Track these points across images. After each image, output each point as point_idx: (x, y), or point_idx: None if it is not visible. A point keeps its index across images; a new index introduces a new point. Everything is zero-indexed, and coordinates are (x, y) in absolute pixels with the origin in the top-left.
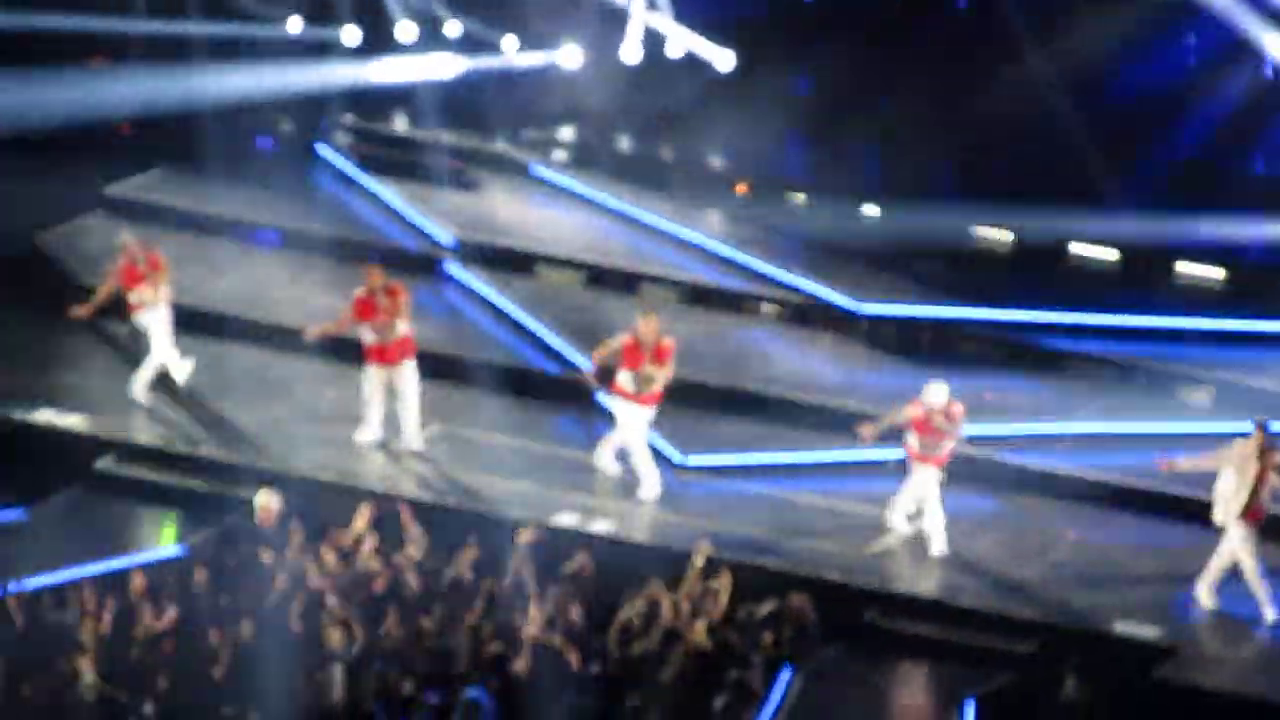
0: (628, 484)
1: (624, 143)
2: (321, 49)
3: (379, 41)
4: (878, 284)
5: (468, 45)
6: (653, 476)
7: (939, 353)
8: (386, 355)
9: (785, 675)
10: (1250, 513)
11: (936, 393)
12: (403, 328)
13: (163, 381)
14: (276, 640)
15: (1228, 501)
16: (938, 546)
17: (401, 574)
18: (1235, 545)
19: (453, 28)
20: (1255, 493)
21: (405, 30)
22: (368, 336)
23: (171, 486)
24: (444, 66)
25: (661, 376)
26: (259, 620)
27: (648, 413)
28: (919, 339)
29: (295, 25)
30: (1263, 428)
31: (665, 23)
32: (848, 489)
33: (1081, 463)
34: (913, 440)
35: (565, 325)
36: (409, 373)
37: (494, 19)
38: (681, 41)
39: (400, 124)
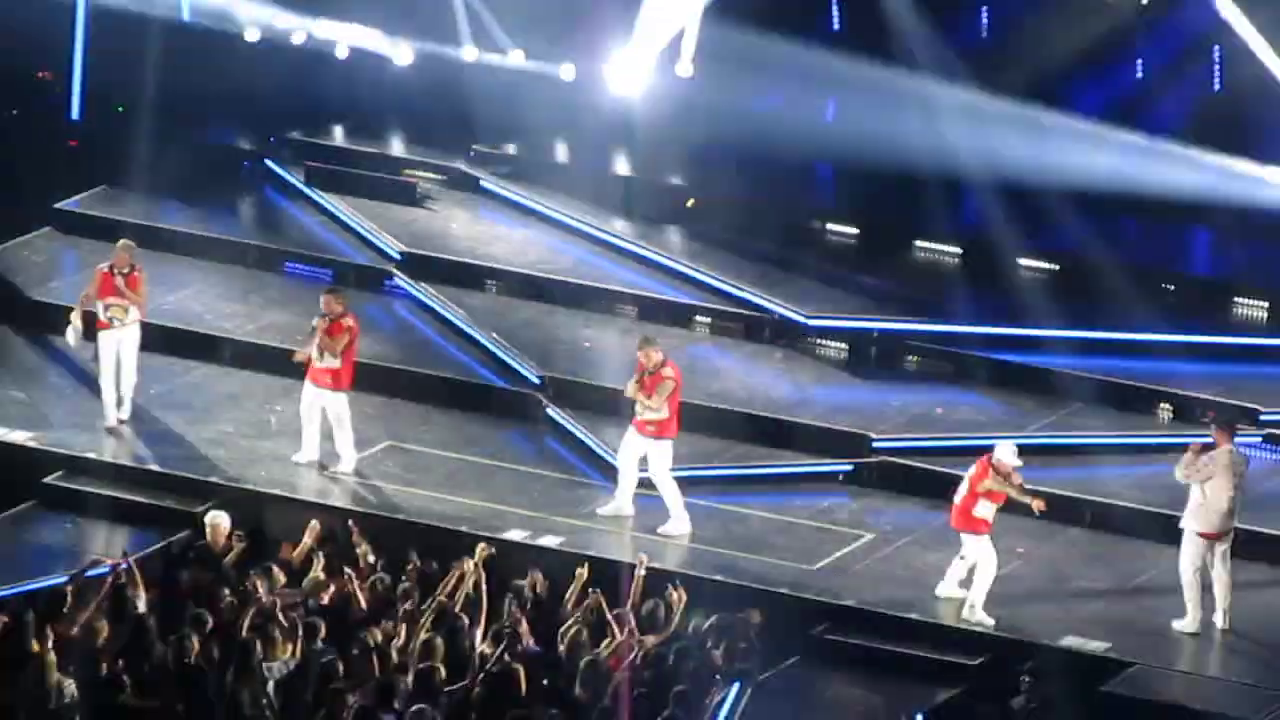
0: (576, 498)
1: (575, 156)
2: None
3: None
4: (827, 298)
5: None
6: (673, 511)
7: (887, 367)
8: (316, 377)
9: (734, 689)
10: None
11: (1008, 452)
12: (331, 360)
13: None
14: (224, 654)
15: (1224, 514)
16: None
17: (350, 589)
18: (1219, 558)
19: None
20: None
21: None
22: (311, 351)
23: (122, 502)
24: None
25: (649, 406)
26: (206, 634)
27: (641, 440)
28: (867, 353)
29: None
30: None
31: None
32: (797, 503)
33: (1030, 476)
34: (988, 510)
35: (514, 340)
36: (333, 401)
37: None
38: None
39: (349, 138)
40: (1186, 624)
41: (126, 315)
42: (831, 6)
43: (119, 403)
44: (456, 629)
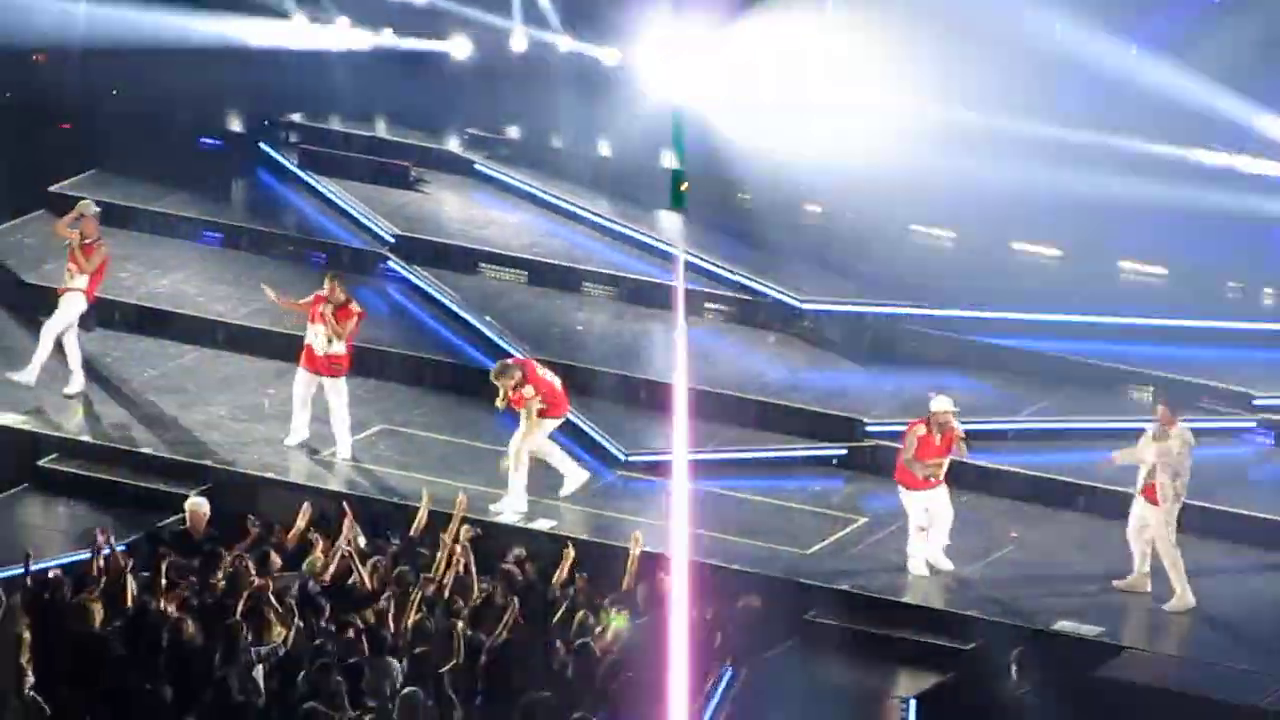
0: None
1: (568, 141)
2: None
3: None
4: (821, 282)
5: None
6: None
7: (881, 351)
8: (315, 363)
9: (728, 672)
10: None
11: (944, 402)
12: (338, 346)
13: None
14: (214, 636)
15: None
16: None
17: (352, 566)
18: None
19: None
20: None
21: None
22: (308, 336)
23: (116, 485)
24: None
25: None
26: (200, 618)
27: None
28: (861, 337)
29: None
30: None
31: None
32: (791, 486)
33: (1024, 460)
34: (919, 466)
35: (507, 322)
36: (337, 388)
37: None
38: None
39: (344, 122)
40: (1179, 604)
41: (72, 280)
42: None
43: (68, 376)
44: (448, 612)
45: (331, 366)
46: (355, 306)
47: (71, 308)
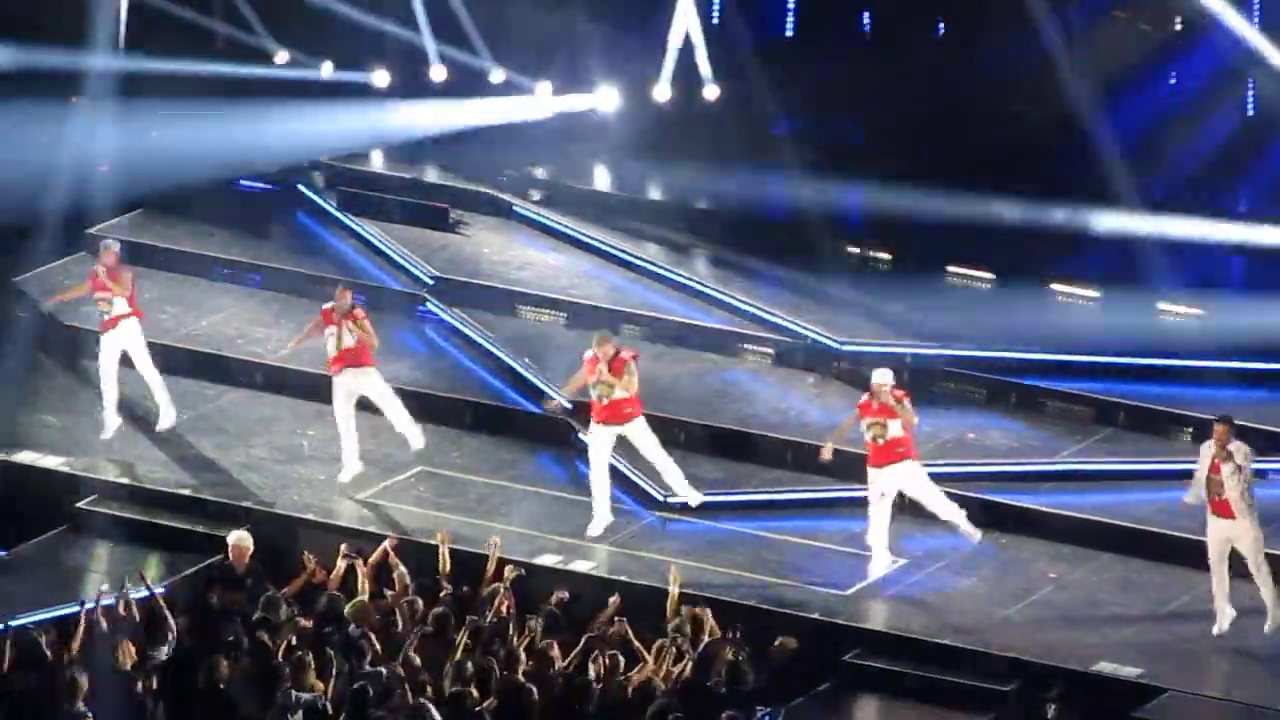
0: (612, 523)
1: (606, 181)
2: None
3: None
4: (858, 323)
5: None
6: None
7: (919, 391)
8: (335, 363)
9: (765, 715)
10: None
11: (881, 375)
12: (348, 339)
13: (143, 419)
14: (254, 680)
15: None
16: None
17: (393, 607)
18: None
19: (497, 75)
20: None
21: (438, 72)
22: (328, 346)
23: (154, 526)
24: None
25: (618, 387)
26: (236, 660)
27: (613, 431)
28: (899, 378)
29: (327, 69)
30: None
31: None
32: (829, 527)
33: (1063, 501)
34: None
35: (545, 364)
36: (369, 378)
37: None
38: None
39: (381, 163)
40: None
41: (112, 307)
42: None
43: (157, 412)
44: (489, 652)
45: (355, 361)
46: (361, 311)
47: (133, 334)
